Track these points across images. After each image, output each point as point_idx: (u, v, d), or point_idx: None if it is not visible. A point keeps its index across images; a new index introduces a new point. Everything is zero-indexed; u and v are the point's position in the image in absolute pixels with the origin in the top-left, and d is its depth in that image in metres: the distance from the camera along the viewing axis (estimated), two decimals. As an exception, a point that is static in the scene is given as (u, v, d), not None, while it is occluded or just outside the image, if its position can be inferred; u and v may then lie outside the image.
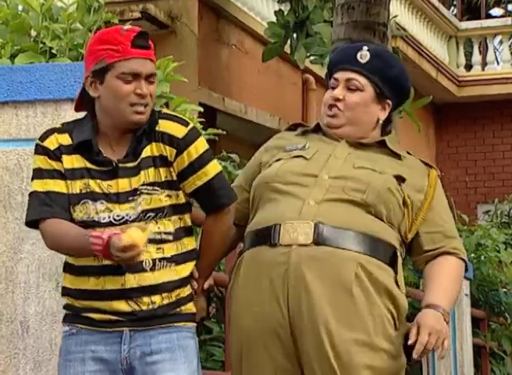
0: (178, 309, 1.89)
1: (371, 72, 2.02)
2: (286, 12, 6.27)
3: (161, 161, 1.89)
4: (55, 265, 2.43)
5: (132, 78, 1.86)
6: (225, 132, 3.47)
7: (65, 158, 1.89)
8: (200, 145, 1.92)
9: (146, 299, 1.86)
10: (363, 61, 2.02)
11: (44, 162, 1.89)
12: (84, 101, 1.94)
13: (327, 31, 5.70)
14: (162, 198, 1.87)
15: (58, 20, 2.85)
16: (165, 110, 2.00)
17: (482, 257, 5.78)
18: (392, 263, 1.96)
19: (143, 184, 1.87)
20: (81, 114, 1.98)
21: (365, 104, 2.01)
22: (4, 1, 2.91)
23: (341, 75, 2.03)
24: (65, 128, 1.92)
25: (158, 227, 1.86)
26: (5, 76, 2.51)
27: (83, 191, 1.87)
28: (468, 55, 10.99)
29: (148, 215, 1.86)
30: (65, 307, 1.92)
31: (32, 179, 1.91)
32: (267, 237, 1.96)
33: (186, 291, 1.91)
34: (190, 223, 1.93)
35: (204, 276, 1.96)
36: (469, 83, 10.56)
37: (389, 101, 2.05)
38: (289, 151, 2.04)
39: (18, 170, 2.50)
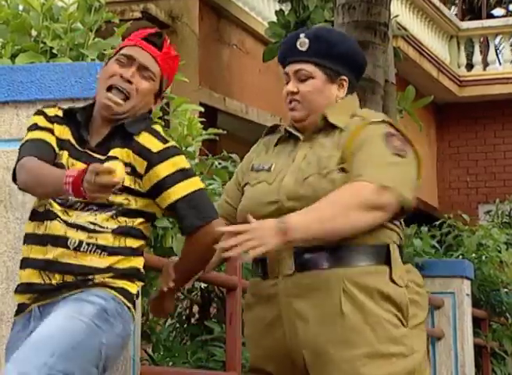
0: (90, 282, 1.86)
1: (315, 56, 1.98)
2: (286, 12, 6.27)
3: (127, 168, 1.88)
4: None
5: (125, 62, 1.90)
6: (225, 132, 3.46)
7: (56, 126, 1.96)
8: (177, 163, 1.90)
9: (58, 276, 1.87)
10: (303, 48, 1.99)
11: (38, 120, 1.98)
12: None
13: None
14: (114, 200, 1.87)
15: (58, 20, 2.85)
16: (157, 127, 1.97)
17: (483, 257, 5.77)
18: (387, 260, 1.93)
19: None
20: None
21: (319, 90, 1.99)
22: (4, 1, 2.90)
23: (289, 68, 2.02)
24: (72, 108, 2.00)
25: (95, 219, 1.87)
26: (6, 76, 2.51)
27: (57, 161, 1.92)
28: (469, 54, 10.98)
29: (90, 206, 1.87)
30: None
31: (26, 134, 1.99)
32: (258, 269, 1.99)
33: (113, 279, 1.88)
34: (142, 231, 1.92)
35: (180, 280, 1.96)
36: (470, 83, 10.55)
37: (344, 78, 2.01)
38: (256, 171, 2.04)
39: (19, 170, 2.50)
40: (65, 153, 1.93)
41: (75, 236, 1.87)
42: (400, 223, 2.01)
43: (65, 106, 2.37)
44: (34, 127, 1.97)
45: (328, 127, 2.00)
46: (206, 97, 6.85)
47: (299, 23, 6.09)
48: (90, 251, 1.87)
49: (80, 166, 1.88)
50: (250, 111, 7.50)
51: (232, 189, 2.12)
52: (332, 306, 1.89)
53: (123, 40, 2.05)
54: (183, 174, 1.90)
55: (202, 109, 3.29)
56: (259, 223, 1.81)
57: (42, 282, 1.88)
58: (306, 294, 1.91)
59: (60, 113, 1.97)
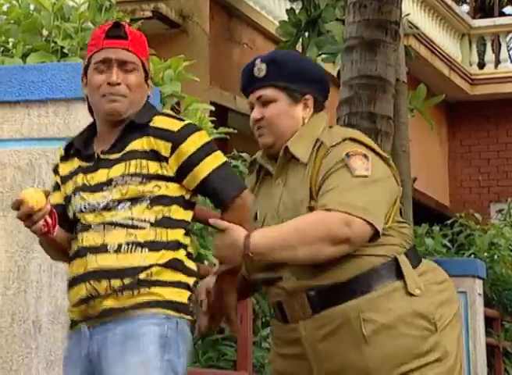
0: (136, 299, 1.83)
1: (273, 80, 1.96)
2: (297, 11, 6.25)
3: (151, 155, 1.87)
4: (67, 264, 2.43)
5: (104, 67, 1.88)
6: (236, 131, 3.46)
7: (61, 166, 1.95)
8: (200, 138, 1.89)
9: (104, 283, 1.83)
10: (261, 74, 1.97)
11: (53, 178, 2.00)
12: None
13: (339, 30, 5.68)
14: (145, 189, 1.86)
15: (69, 19, 2.85)
16: (167, 111, 2.00)
17: (495, 256, 5.75)
18: (398, 273, 1.90)
19: (122, 175, 1.86)
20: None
21: (284, 112, 1.96)
22: (16, 1, 2.91)
23: (251, 97, 1.99)
24: (73, 138, 1.98)
25: (132, 213, 1.84)
26: (17, 75, 2.51)
27: (72, 189, 1.91)
28: (481, 53, 10.92)
29: (121, 204, 1.86)
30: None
31: None
32: (276, 313, 1.97)
33: (157, 275, 1.84)
34: (179, 217, 1.89)
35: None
36: (482, 82, 10.50)
37: (307, 97, 1.97)
38: None
39: (30, 170, 2.50)
40: (70, 183, 1.92)
41: (113, 240, 1.85)
42: (403, 221, 1.97)
43: (75, 108, 2.37)
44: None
45: (293, 159, 1.95)
46: (217, 96, 6.85)
47: (310, 21, 6.08)
48: (131, 251, 1.84)
49: (99, 177, 1.88)
50: (261, 110, 7.48)
51: None
52: (356, 337, 1.86)
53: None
54: (208, 148, 1.89)
55: (213, 108, 3.29)
56: (234, 235, 1.84)
57: (89, 294, 1.85)
58: (329, 333, 1.89)
59: (62, 152, 1.96)
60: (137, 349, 1.79)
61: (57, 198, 1.94)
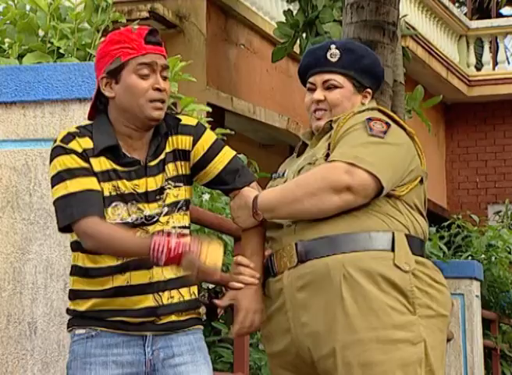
0: (195, 314, 1.91)
1: (345, 68, 2.02)
2: (295, 12, 6.25)
3: (178, 154, 1.91)
4: (62, 266, 2.42)
5: (148, 72, 1.87)
6: (233, 132, 3.45)
7: (92, 160, 1.86)
8: (212, 135, 1.97)
9: (166, 294, 1.86)
10: (334, 60, 2.02)
11: (71, 162, 1.84)
12: (95, 109, 1.93)
13: (336, 31, 5.68)
14: (179, 193, 1.89)
15: (65, 20, 2.85)
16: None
17: (493, 258, 5.74)
18: (392, 246, 1.89)
19: (166, 180, 1.88)
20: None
21: (347, 98, 2.03)
22: (12, 1, 2.90)
23: (317, 78, 2.04)
24: (83, 132, 1.89)
25: (173, 222, 1.87)
26: (13, 76, 2.50)
27: (113, 194, 1.85)
28: (479, 54, 10.93)
29: (171, 209, 1.87)
30: (81, 312, 1.88)
31: (59, 182, 1.83)
32: (269, 267, 1.99)
33: (196, 289, 1.92)
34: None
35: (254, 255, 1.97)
36: (479, 83, 10.51)
37: (369, 90, 2.07)
38: (273, 179, 2.08)
39: (26, 171, 2.49)
40: (107, 185, 1.85)
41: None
42: (421, 213, 1.97)
43: (71, 109, 2.36)
44: (70, 174, 1.82)
45: (331, 130, 2.01)
46: (213, 97, 6.84)
47: (307, 22, 6.07)
48: None
49: (150, 185, 1.85)
50: (258, 111, 7.48)
51: None
52: (333, 293, 1.87)
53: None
54: (219, 144, 1.95)
55: (210, 109, 3.28)
56: (245, 196, 1.92)
57: (157, 304, 1.85)
58: (308, 284, 1.90)
59: (86, 144, 1.85)
60: (206, 360, 1.90)
61: (96, 184, 1.83)
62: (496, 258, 5.74)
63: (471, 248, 5.76)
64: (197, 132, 1.92)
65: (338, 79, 2.02)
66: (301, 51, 6.19)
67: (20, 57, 2.77)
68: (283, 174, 2.04)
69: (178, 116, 1.94)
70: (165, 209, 1.87)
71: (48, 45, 2.77)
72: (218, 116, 6.47)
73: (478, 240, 5.81)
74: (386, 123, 1.95)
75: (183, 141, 1.91)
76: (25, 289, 2.44)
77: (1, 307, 2.43)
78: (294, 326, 1.92)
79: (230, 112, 7.12)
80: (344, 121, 1.97)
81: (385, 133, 1.92)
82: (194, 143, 1.91)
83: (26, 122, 2.50)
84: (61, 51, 2.78)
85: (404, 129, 1.99)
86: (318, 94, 2.02)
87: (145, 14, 6.64)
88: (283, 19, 6.25)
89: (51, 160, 1.87)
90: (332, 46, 2.03)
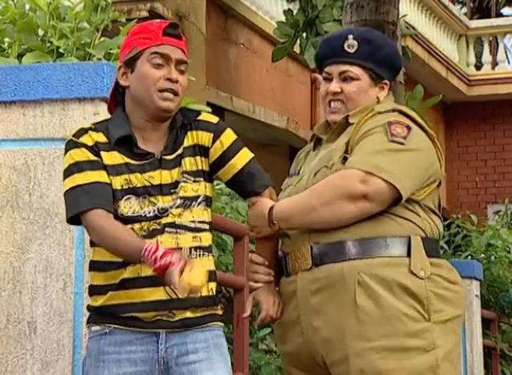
0: (212, 311, 1.89)
1: (363, 59, 1.98)
2: (295, 12, 6.24)
3: (198, 150, 1.90)
4: (62, 265, 2.42)
5: (162, 62, 1.86)
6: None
7: (103, 154, 1.85)
8: (232, 134, 1.94)
9: None
10: (351, 51, 1.98)
11: (81, 155, 1.84)
12: (114, 101, 1.94)
13: (336, 30, 5.67)
14: (199, 187, 1.88)
15: (65, 19, 2.84)
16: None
17: (492, 257, 5.74)
18: (409, 252, 1.88)
19: (181, 173, 1.87)
20: (93, 117, 1.96)
21: (364, 91, 1.99)
22: (11, 1, 2.90)
23: (333, 68, 1.99)
24: (98, 128, 1.89)
25: (193, 216, 1.85)
26: (13, 75, 2.50)
27: (125, 187, 1.85)
28: (478, 54, 10.93)
29: (185, 203, 1.86)
30: (96, 308, 1.87)
31: (68, 175, 1.84)
32: (282, 267, 1.99)
33: (215, 285, 1.90)
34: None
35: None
36: (479, 83, 10.51)
37: (386, 82, 2.02)
38: (290, 176, 2.06)
39: (25, 170, 2.49)
40: (118, 178, 1.84)
41: (184, 243, 1.84)
42: (438, 215, 1.96)
43: (71, 108, 2.35)
44: (79, 168, 1.83)
45: (348, 126, 1.98)
46: (213, 96, 6.84)
47: (307, 22, 6.07)
48: (199, 256, 1.85)
49: (164, 178, 1.84)
50: (258, 110, 7.48)
51: None
52: (347, 299, 1.86)
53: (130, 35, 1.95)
54: (238, 144, 1.94)
55: (209, 109, 3.27)
56: (260, 206, 1.91)
57: (169, 298, 1.83)
58: (322, 288, 1.89)
59: (99, 138, 1.85)
60: (223, 357, 1.87)
61: (106, 177, 1.83)
62: (495, 257, 5.74)
63: (471, 248, 5.76)
64: (217, 129, 1.91)
65: (355, 70, 1.97)
66: (301, 51, 6.19)
67: (20, 56, 2.76)
68: (299, 172, 2.03)
69: (198, 111, 1.93)
70: (178, 201, 1.85)
71: (48, 45, 2.77)
72: (217, 116, 6.46)
73: (477, 239, 5.81)
74: (407, 127, 1.91)
75: (203, 137, 1.90)
76: (24, 288, 2.43)
77: (0, 306, 2.43)
78: (306, 330, 1.91)
79: (230, 112, 7.12)
80: (363, 121, 1.93)
81: (405, 138, 1.89)
82: (214, 140, 1.90)
83: (26, 121, 2.50)
84: (60, 50, 2.78)
85: (426, 131, 1.96)
86: (335, 86, 1.97)
87: (145, 13, 6.64)
88: (283, 18, 6.25)
89: (64, 155, 1.89)
90: (350, 36, 1.98)
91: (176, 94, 1.87)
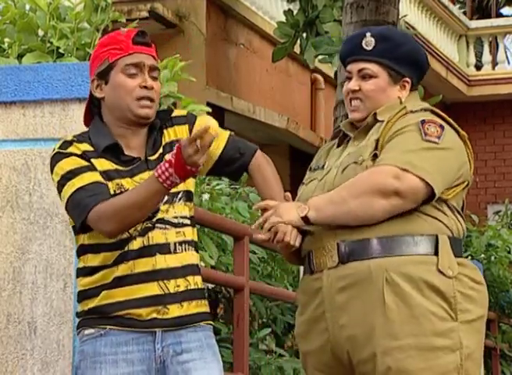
0: (203, 307, 1.91)
1: (380, 56, 1.98)
2: (295, 12, 6.25)
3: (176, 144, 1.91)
4: (62, 265, 2.42)
5: (135, 71, 1.89)
6: (233, 132, 3.45)
7: (93, 161, 1.88)
8: (204, 118, 1.94)
9: (173, 282, 1.86)
10: (369, 48, 1.99)
11: (73, 163, 1.87)
12: (90, 116, 1.96)
13: (336, 30, 5.68)
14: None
15: (65, 20, 2.84)
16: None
17: (492, 258, 5.74)
18: (436, 251, 1.87)
19: None
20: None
21: (382, 89, 1.99)
22: (11, 1, 2.90)
23: (352, 66, 2.01)
24: (81, 139, 1.92)
25: (175, 212, 1.89)
26: (13, 75, 2.50)
27: (118, 192, 1.87)
28: (478, 54, 10.93)
29: (168, 199, 1.88)
30: (89, 311, 1.88)
31: (65, 183, 1.85)
32: (306, 265, 1.98)
33: (200, 279, 1.92)
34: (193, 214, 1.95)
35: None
36: (479, 83, 10.51)
37: (407, 79, 2.01)
38: (312, 171, 2.06)
39: (25, 170, 2.49)
40: (110, 184, 1.87)
41: (171, 238, 1.87)
42: (461, 215, 1.97)
43: (71, 108, 2.35)
44: (72, 174, 1.85)
45: (377, 123, 1.98)
46: (213, 97, 6.84)
47: (308, 22, 6.07)
48: (185, 250, 1.89)
49: (147, 176, 1.85)
50: (258, 111, 7.48)
51: None
52: (375, 297, 1.85)
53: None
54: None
55: (209, 109, 3.27)
56: (284, 202, 1.90)
57: (162, 292, 1.85)
58: (349, 286, 1.88)
59: (85, 147, 1.89)
60: (215, 357, 1.90)
61: (100, 177, 1.86)
62: (495, 257, 5.74)
63: (471, 248, 5.76)
64: (190, 120, 1.96)
65: (372, 68, 1.98)
66: (301, 51, 6.19)
67: (20, 57, 2.76)
68: (323, 166, 2.01)
69: (168, 109, 1.97)
70: (165, 198, 1.87)
71: (48, 45, 2.77)
72: (217, 116, 6.47)
73: (477, 240, 5.81)
74: (440, 126, 1.92)
75: (181, 131, 1.94)
76: (25, 289, 2.44)
77: (0, 307, 2.43)
78: (332, 327, 1.90)
79: (230, 112, 7.12)
80: (395, 119, 1.93)
81: (439, 137, 1.89)
82: (191, 130, 1.93)
83: (26, 121, 2.50)
84: (60, 50, 2.78)
85: (457, 131, 1.96)
86: (353, 84, 1.99)
87: (145, 14, 6.64)
88: (283, 18, 6.25)
89: (52, 168, 1.89)
90: (368, 34, 2.00)
91: (152, 100, 1.90)
